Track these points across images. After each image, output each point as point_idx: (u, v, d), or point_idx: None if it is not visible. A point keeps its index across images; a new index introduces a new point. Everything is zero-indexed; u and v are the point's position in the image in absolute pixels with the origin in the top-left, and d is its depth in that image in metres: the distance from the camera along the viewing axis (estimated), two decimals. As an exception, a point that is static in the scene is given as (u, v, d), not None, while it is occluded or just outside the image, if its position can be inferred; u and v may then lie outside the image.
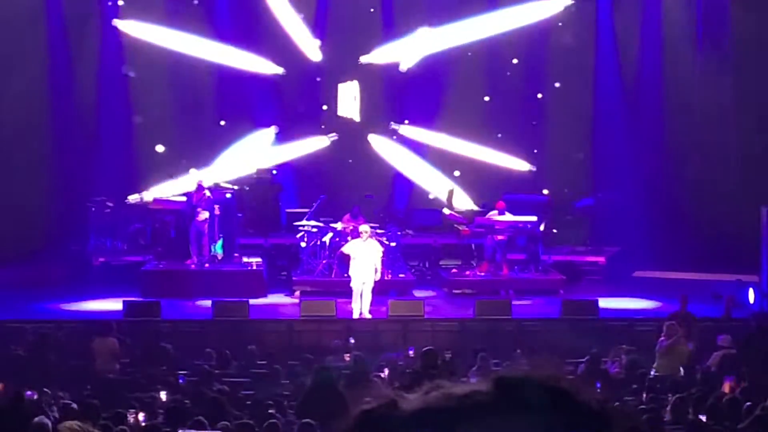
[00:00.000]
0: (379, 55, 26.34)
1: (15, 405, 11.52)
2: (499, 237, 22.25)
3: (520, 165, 26.23)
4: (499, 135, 26.15)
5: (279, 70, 26.04)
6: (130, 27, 25.64)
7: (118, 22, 25.57)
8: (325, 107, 26.69)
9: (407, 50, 26.17)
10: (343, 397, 11.94)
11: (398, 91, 26.79)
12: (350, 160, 26.34)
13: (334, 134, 26.28)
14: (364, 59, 26.18)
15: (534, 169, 26.14)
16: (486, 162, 26.13)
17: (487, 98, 26.48)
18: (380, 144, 26.71)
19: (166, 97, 25.91)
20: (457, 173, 26.03)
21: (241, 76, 26.01)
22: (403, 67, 26.17)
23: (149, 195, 24.80)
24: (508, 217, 22.37)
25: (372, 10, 26.74)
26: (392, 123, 26.59)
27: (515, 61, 26.48)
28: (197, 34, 25.65)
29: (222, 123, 26.17)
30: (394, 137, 26.64)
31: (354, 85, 26.43)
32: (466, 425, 1.50)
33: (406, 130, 26.68)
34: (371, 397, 1.60)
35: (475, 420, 1.50)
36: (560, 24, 26.02)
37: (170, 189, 24.62)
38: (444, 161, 26.24)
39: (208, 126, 26.06)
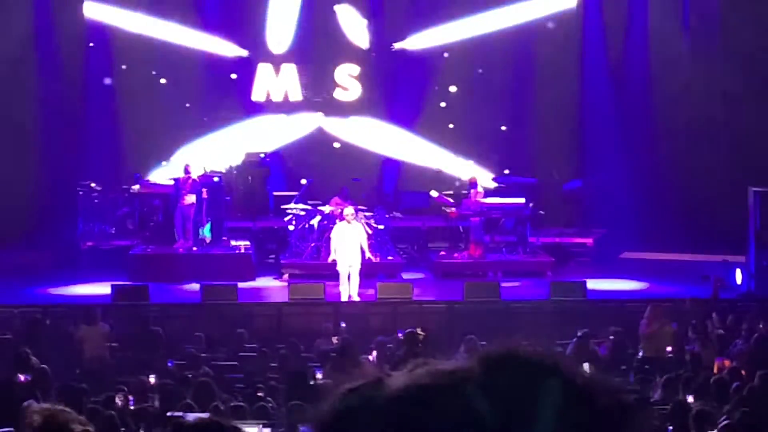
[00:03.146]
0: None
1: (6, 389, 11.50)
2: (474, 219, 22.19)
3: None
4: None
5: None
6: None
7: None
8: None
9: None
10: (319, 391, 11.93)
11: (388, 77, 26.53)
12: (337, 144, 26.29)
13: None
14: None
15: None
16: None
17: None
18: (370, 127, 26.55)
19: (151, 82, 25.74)
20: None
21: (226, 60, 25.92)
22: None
23: None
24: (497, 199, 22.41)
25: None
26: None
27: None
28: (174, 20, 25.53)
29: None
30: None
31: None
32: (452, 402, 1.50)
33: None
34: (358, 376, 1.60)
35: (461, 396, 1.50)
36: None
37: None
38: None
39: (192, 111, 25.86)
